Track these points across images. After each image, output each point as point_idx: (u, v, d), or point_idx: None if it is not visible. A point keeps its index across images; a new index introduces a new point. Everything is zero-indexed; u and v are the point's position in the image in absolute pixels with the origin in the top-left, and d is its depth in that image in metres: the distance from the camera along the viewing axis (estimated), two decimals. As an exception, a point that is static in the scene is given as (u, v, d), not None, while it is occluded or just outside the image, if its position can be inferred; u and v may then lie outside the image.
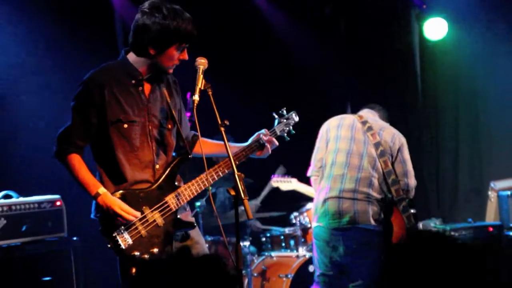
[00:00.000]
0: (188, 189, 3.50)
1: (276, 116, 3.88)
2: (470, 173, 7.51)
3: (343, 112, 7.60)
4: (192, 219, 3.63)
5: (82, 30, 5.90)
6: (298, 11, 7.43)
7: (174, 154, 3.65)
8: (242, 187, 3.13)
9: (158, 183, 3.48)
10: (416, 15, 7.55)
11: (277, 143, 3.77)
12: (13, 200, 4.73)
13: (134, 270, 3.33)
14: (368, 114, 4.86)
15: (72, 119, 3.44)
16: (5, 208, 4.64)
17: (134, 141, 3.44)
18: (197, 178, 3.49)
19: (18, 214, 4.70)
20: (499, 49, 7.21)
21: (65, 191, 5.05)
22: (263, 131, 3.76)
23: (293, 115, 3.89)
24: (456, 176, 7.59)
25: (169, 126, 3.56)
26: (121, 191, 3.41)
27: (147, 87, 3.51)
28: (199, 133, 3.40)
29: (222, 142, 3.37)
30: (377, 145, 4.60)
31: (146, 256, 3.35)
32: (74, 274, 4.85)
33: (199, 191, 3.49)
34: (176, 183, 3.51)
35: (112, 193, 3.39)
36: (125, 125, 3.42)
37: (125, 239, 3.34)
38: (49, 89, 5.75)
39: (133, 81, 3.46)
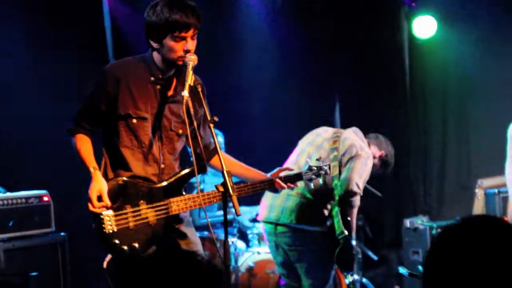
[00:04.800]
0: (191, 200, 3.48)
1: (310, 163, 3.84)
2: (457, 171, 7.53)
3: (332, 112, 7.64)
4: (188, 230, 3.59)
5: (71, 29, 5.85)
6: (286, 9, 7.43)
7: (191, 159, 3.52)
8: (231, 183, 3.14)
9: (165, 184, 3.48)
10: (405, 13, 7.57)
11: (294, 187, 3.77)
12: (0, 195, 4.72)
13: (110, 256, 3.35)
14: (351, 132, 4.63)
15: (85, 102, 3.51)
16: (-8, 203, 4.62)
17: (142, 137, 3.45)
18: (205, 193, 3.46)
19: (5, 209, 4.69)
20: (488, 48, 7.24)
21: (53, 187, 5.04)
22: (284, 173, 3.73)
23: (327, 167, 3.84)
24: (443, 174, 7.61)
25: (180, 131, 3.54)
26: (124, 178, 3.41)
27: (167, 88, 3.51)
28: (198, 132, 3.40)
29: (245, 165, 3.67)
30: (332, 150, 4.46)
31: (125, 247, 3.34)
32: (61, 269, 4.84)
33: (203, 206, 3.42)
34: (183, 192, 3.50)
35: (114, 178, 3.40)
36: (134, 120, 3.43)
37: (110, 225, 3.34)
38: (38, 86, 5.72)
39: (152, 78, 3.47)
